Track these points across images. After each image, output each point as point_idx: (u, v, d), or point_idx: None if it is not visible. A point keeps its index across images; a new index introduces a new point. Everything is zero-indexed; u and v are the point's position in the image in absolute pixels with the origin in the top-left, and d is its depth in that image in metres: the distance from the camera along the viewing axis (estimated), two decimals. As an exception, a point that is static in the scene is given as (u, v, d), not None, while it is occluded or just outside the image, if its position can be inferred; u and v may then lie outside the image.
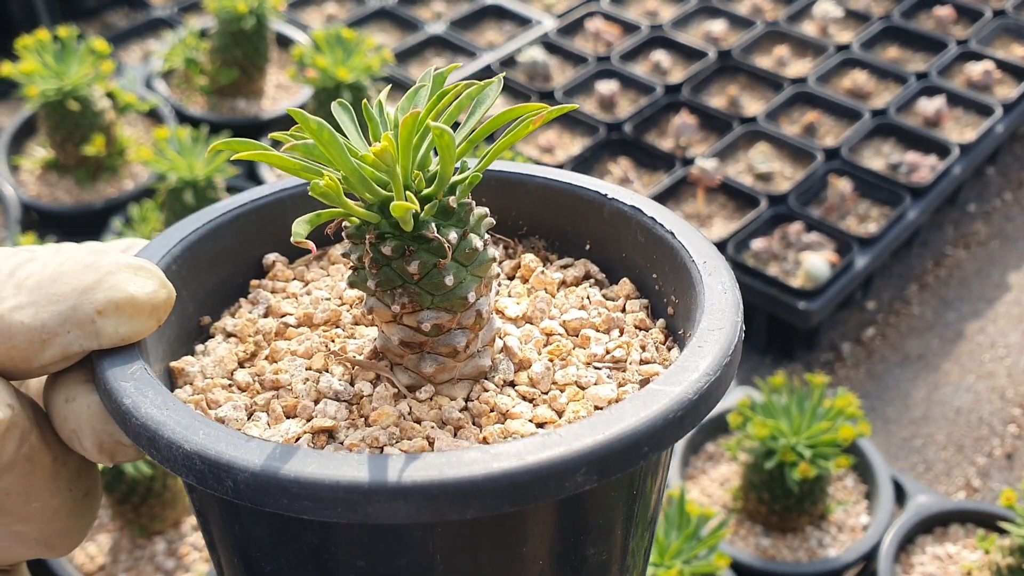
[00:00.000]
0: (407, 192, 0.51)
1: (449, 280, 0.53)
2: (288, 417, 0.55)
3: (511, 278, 0.67)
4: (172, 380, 0.58)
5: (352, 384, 0.56)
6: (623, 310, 0.63)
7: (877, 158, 3.14)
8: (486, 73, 3.39)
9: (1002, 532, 2.00)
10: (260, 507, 0.45)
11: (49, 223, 2.80)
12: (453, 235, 0.52)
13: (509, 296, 0.64)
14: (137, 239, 0.63)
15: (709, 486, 2.22)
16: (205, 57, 3.04)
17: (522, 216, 0.68)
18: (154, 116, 3.02)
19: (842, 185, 2.91)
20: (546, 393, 0.56)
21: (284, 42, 3.30)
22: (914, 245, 3.16)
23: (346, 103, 0.56)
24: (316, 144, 0.50)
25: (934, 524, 2.12)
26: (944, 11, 3.64)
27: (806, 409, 1.99)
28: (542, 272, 0.64)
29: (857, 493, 2.20)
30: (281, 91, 3.16)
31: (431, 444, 0.51)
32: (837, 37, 3.62)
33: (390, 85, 0.67)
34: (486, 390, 0.56)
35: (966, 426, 2.70)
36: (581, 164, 3.08)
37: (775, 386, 2.05)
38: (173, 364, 0.58)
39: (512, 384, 0.57)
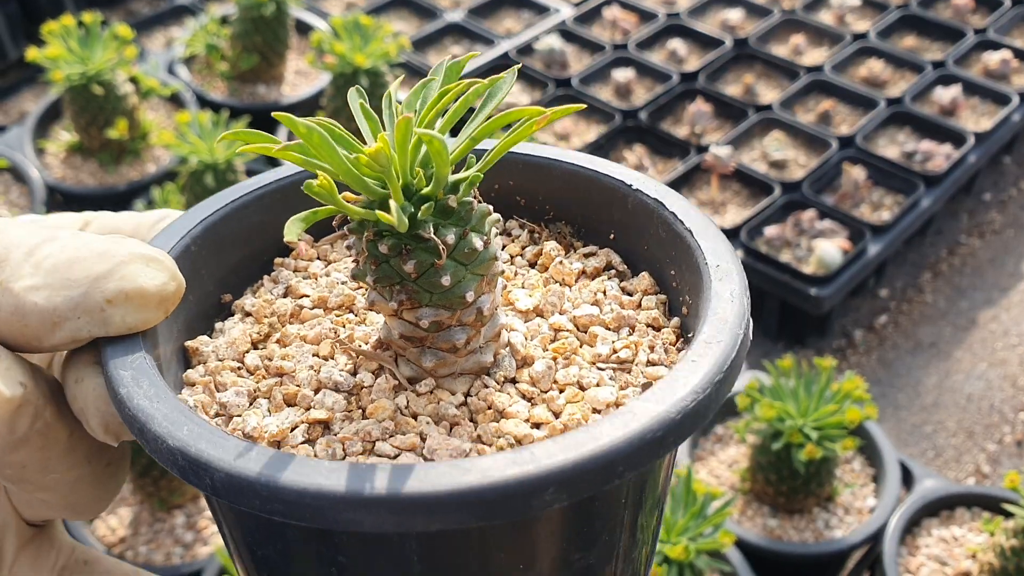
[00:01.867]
0: (402, 193, 0.51)
1: (446, 280, 0.52)
2: (288, 405, 0.55)
3: (533, 265, 0.66)
4: (188, 358, 0.59)
5: (354, 374, 0.56)
6: (639, 306, 0.61)
7: (892, 146, 3.15)
8: (504, 61, 3.42)
9: (1007, 515, 2.02)
10: (237, 506, 0.46)
11: (73, 205, 2.86)
12: (451, 236, 0.52)
13: (523, 288, 0.63)
14: (170, 210, 0.65)
15: (717, 467, 2.25)
16: (226, 43, 3.09)
17: (549, 201, 0.67)
18: (176, 101, 3.07)
19: (856, 173, 2.92)
20: (546, 392, 0.55)
21: (303, 29, 3.34)
22: (928, 233, 3.17)
23: (362, 89, 0.56)
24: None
25: (940, 507, 2.14)
26: (962, 0, 3.63)
27: (813, 392, 2.02)
28: (560, 263, 0.64)
29: (864, 476, 2.22)
30: (300, 77, 3.20)
31: (423, 440, 0.52)
32: (854, 26, 3.63)
33: (403, 75, 0.66)
34: (486, 386, 0.56)
35: (977, 413, 2.72)
36: (597, 151, 3.11)
37: (783, 369, 2.08)
38: (188, 343, 0.59)
39: (514, 381, 0.57)
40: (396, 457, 0.51)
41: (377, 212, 0.49)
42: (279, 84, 3.13)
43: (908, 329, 2.95)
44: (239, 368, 0.58)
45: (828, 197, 2.96)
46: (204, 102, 3.05)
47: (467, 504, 0.44)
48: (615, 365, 0.57)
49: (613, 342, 0.58)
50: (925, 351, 2.88)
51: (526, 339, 0.58)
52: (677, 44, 3.50)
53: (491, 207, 0.56)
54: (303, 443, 0.53)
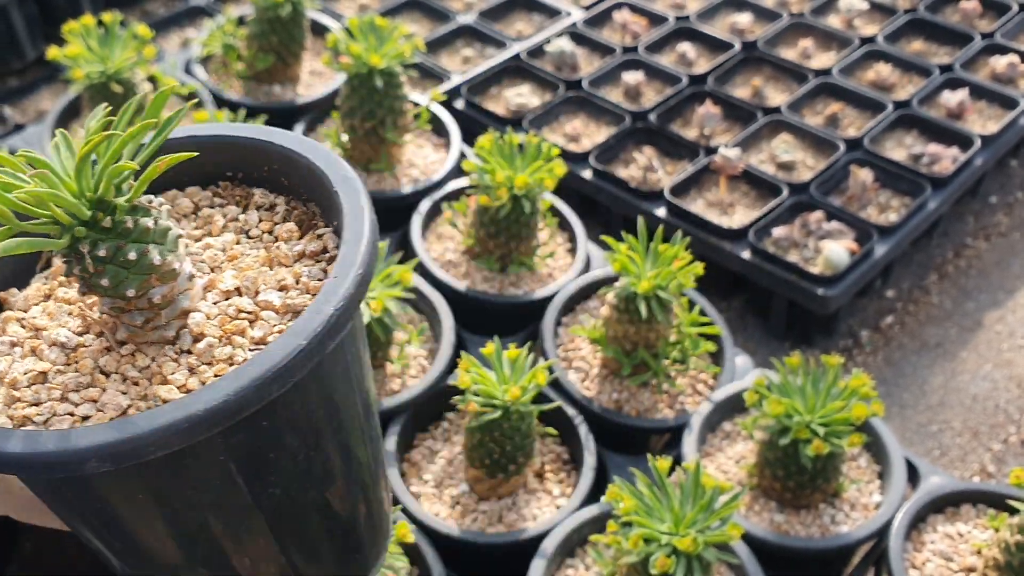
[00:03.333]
0: (63, 219, 0.63)
1: (105, 283, 0.65)
2: (33, 355, 0.68)
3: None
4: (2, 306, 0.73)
5: (82, 335, 0.69)
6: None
7: (899, 149, 3.18)
8: (515, 62, 3.46)
9: (1013, 511, 2.05)
10: None
11: (91, 202, 2.90)
12: (102, 251, 0.64)
13: (236, 269, 0.74)
14: None
15: (725, 463, 2.28)
16: (242, 43, 3.13)
17: (267, 175, 0.79)
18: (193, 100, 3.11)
19: (863, 175, 2.95)
20: (209, 365, 0.67)
21: (319, 30, 3.39)
22: (934, 235, 3.20)
23: (67, 135, 0.68)
24: None
25: (946, 504, 2.17)
26: (970, 5, 3.66)
27: (821, 389, 2.05)
28: (279, 246, 0.75)
29: (870, 473, 2.25)
30: (315, 77, 3.24)
31: (104, 392, 0.65)
32: (862, 30, 3.66)
33: (109, 109, 0.76)
34: (166, 355, 0.67)
35: (982, 413, 2.74)
36: (606, 151, 3.15)
37: (791, 366, 2.11)
38: (1, 294, 0.73)
39: (189, 353, 0.68)
40: (78, 406, 0.65)
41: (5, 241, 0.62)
42: (294, 84, 3.18)
43: (914, 330, 2.98)
44: (22, 319, 0.71)
45: (836, 199, 2.99)
46: (221, 101, 3.10)
47: (92, 455, 0.58)
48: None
49: (274, 326, 0.69)
50: (931, 351, 2.91)
51: (207, 318, 0.69)
52: (686, 47, 3.53)
53: (151, 220, 0.66)
54: (26, 387, 0.66)
